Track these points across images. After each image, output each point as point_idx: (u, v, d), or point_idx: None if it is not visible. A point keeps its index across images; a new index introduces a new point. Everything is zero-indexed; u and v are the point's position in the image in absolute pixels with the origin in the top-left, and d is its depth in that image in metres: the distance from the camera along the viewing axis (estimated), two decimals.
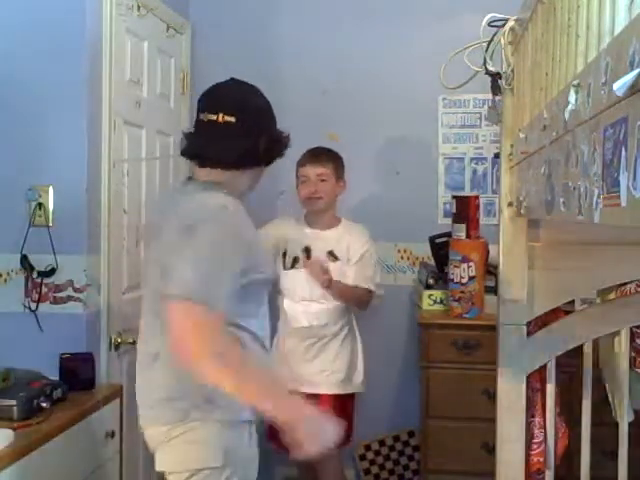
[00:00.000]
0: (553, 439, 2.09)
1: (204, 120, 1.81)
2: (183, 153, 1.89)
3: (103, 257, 2.57)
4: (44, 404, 2.13)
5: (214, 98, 1.87)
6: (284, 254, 2.83)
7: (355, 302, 2.86)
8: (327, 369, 2.80)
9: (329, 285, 2.71)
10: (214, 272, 1.61)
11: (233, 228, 1.70)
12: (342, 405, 2.79)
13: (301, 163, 2.81)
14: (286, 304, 2.83)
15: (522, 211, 1.67)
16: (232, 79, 1.91)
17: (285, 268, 2.83)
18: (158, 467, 1.80)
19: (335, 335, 2.81)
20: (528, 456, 2.06)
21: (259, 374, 1.68)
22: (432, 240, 3.23)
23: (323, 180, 2.80)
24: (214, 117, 1.79)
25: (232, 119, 1.78)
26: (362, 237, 2.87)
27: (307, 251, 2.80)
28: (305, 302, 2.80)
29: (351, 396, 2.89)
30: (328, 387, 2.80)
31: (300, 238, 2.83)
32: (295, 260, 2.81)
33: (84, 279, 2.47)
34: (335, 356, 2.81)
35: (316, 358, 2.79)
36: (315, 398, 2.60)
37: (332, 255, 2.81)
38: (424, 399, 3.02)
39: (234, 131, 1.78)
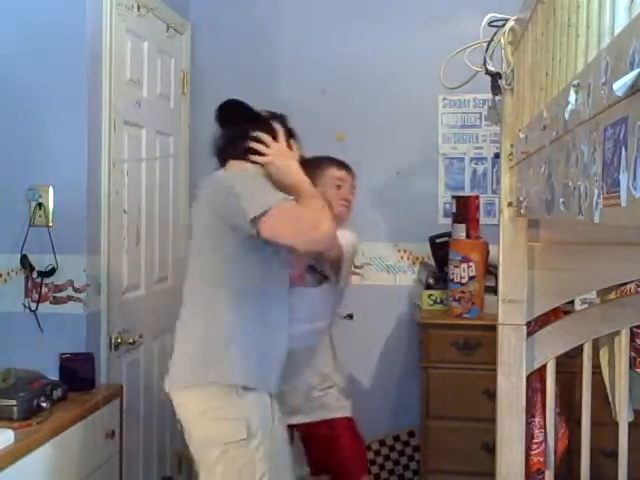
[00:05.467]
0: (553, 439, 2.09)
1: None
2: None
3: (103, 257, 2.57)
4: (44, 404, 2.13)
5: None
6: None
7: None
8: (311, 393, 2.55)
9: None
10: (261, 185, 1.92)
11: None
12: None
13: (338, 166, 2.65)
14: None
15: (522, 211, 1.67)
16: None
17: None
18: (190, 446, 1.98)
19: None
20: (528, 456, 2.06)
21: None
22: (432, 240, 3.23)
23: (352, 193, 2.67)
24: None
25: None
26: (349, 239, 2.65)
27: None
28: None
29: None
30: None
31: None
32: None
33: (84, 279, 2.47)
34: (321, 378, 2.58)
35: (300, 384, 2.51)
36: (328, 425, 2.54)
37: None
38: (424, 399, 3.02)
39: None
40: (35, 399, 2.11)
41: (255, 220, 1.81)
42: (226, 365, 1.92)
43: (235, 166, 2.04)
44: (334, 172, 2.65)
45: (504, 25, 1.85)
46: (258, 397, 1.95)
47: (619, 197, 0.78)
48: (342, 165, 2.67)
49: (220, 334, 1.93)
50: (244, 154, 2.02)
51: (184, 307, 2.04)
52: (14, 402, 2.05)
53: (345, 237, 2.58)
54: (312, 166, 2.57)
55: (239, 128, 2.08)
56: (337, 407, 2.57)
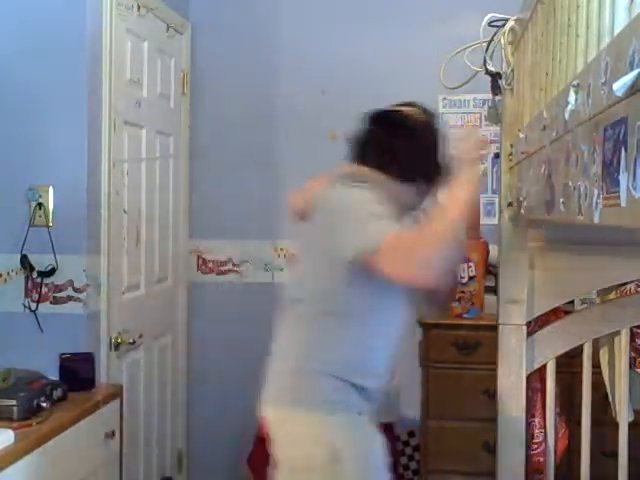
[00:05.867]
0: (553, 439, 2.09)
1: None
2: None
3: (103, 257, 2.57)
4: (44, 404, 2.13)
5: None
6: None
7: None
8: None
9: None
10: (376, 214, 1.68)
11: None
12: None
13: None
14: None
15: (522, 211, 1.67)
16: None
17: None
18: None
19: None
20: (528, 456, 2.06)
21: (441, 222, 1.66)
22: None
23: None
24: None
25: None
26: None
27: None
28: None
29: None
30: None
31: None
32: None
33: (84, 279, 2.47)
34: None
35: None
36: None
37: None
38: (424, 399, 3.02)
39: None
40: (35, 399, 2.11)
41: (364, 256, 1.63)
42: (317, 385, 1.77)
43: (361, 172, 1.84)
44: None
45: (504, 25, 1.85)
46: (347, 417, 1.77)
47: (619, 197, 0.78)
48: None
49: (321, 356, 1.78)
50: (380, 158, 1.83)
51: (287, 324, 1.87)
52: (14, 402, 2.05)
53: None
54: None
55: (390, 131, 1.87)
56: None
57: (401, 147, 1.82)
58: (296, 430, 1.77)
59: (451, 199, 1.67)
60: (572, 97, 1.02)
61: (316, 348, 1.78)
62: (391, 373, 1.92)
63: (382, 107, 1.91)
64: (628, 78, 0.73)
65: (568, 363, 2.22)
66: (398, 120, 1.86)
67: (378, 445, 1.81)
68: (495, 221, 2.71)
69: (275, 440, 1.79)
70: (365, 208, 1.69)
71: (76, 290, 2.47)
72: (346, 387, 1.75)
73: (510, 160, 1.94)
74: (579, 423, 2.09)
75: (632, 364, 2.21)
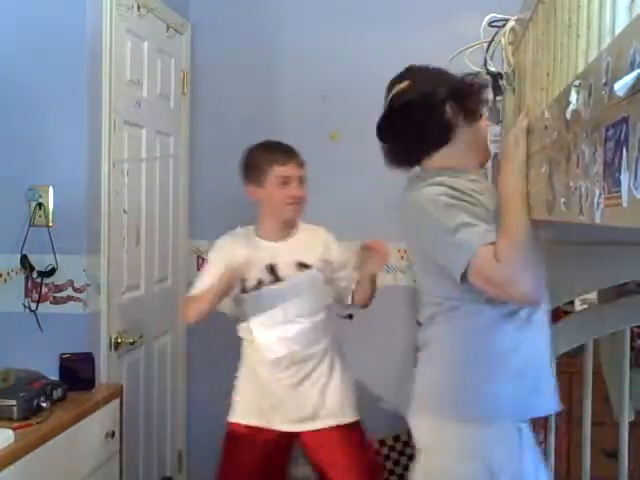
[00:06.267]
0: (553, 439, 2.09)
1: None
2: None
3: (103, 257, 2.57)
4: (44, 404, 2.13)
5: None
6: (242, 279, 2.37)
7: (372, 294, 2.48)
8: (320, 397, 2.42)
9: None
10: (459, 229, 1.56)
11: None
12: (350, 435, 2.46)
13: (279, 161, 2.37)
14: (256, 332, 2.41)
15: None
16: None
17: (247, 292, 2.39)
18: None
19: (322, 356, 2.44)
20: None
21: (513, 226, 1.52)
22: None
23: (302, 182, 2.41)
24: None
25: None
26: (330, 234, 2.52)
27: (272, 269, 2.38)
28: (279, 326, 2.38)
29: (357, 424, 2.50)
30: (328, 419, 2.43)
31: (262, 257, 2.39)
32: (260, 283, 2.37)
33: (84, 279, 2.47)
34: (327, 381, 2.44)
35: (304, 388, 2.40)
36: (315, 436, 2.41)
37: (302, 265, 2.40)
38: None
39: None
40: (35, 399, 2.11)
41: (463, 277, 1.54)
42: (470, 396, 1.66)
43: (438, 163, 1.73)
44: (276, 170, 2.37)
45: (504, 25, 1.85)
46: (502, 430, 1.64)
47: (620, 197, 0.78)
48: (286, 156, 2.40)
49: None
50: (419, 143, 1.73)
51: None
52: (14, 402, 2.05)
53: (322, 231, 2.51)
54: (252, 168, 2.42)
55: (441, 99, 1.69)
56: (324, 415, 2.46)
57: (418, 117, 1.71)
58: (450, 441, 1.66)
59: (508, 197, 1.53)
60: (573, 97, 1.02)
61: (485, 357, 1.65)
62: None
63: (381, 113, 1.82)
64: (629, 78, 0.73)
65: (568, 363, 2.22)
66: (395, 105, 1.74)
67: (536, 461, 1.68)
68: None
69: (424, 450, 1.71)
70: (439, 210, 1.59)
71: (76, 290, 2.47)
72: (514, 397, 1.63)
73: None
74: (579, 423, 2.09)
75: (632, 364, 2.21)
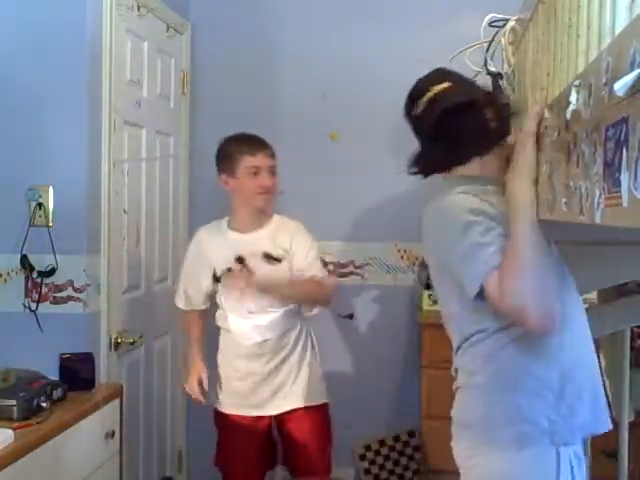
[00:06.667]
0: None
1: None
2: None
3: (103, 257, 2.57)
4: (44, 404, 2.13)
5: None
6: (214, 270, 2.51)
7: (317, 297, 2.53)
8: (292, 381, 2.52)
9: (261, 289, 2.39)
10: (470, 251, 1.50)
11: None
12: (321, 417, 2.58)
13: (249, 152, 2.43)
14: (231, 321, 2.52)
15: None
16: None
17: (219, 280, 2.51)
18: None
19: (295, 343, 2.52)
20: None
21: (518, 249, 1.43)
22: None
23: (273, 173, 2.47)
24: None
25: None
26: (301, 228, 2.56)
27: (240, 260, 2.46)
28: (253, 315, 2.47)
29: (325, 406, 2.61)
30: (300, 399, 2.53)
31: (231, 248, 2.49)
32: (229, 271, 2.48)
33: (84, 279, 2.47)
34: (299, 365, 2.53)
35: (279, 373, 2.50)
36: (289, 417, 2.52)
37: (268, 257, 2.47)
38: (424, 399, 3.02)
39: None
40: (35, 399, 2.11)
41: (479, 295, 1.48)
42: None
43: (474, 170, 1.66)
44: (247, 160, 2.43)
45: (505, 25, 1.84)
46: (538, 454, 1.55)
47: (620, 197, 0.78)
48: (256, 146, 2.45)
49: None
50: (450, 151, 1.65)
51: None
52: (14, 402, 2.05)
53: (292, 225, 2.55)
54: (225, 158, 2.49)
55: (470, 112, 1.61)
56: (297, 396, 2.57)
57: (471, 121, 1.62)
58: (486, 467, 1.59)
59: (517, 207, 1.43)
60: (573, 97, 1.02)
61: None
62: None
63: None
64: (629, 78, 0.73)
65: None
66: (443, 106, 1.62)
67: None
68: None
69: (465, 473, 1.64)
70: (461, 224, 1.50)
71: (76, 290, 2.47)
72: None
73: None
74: None
75: (632, 364, 2.21)
